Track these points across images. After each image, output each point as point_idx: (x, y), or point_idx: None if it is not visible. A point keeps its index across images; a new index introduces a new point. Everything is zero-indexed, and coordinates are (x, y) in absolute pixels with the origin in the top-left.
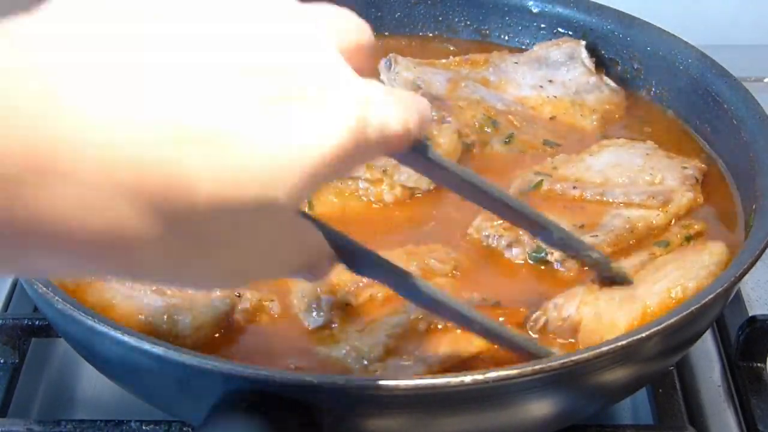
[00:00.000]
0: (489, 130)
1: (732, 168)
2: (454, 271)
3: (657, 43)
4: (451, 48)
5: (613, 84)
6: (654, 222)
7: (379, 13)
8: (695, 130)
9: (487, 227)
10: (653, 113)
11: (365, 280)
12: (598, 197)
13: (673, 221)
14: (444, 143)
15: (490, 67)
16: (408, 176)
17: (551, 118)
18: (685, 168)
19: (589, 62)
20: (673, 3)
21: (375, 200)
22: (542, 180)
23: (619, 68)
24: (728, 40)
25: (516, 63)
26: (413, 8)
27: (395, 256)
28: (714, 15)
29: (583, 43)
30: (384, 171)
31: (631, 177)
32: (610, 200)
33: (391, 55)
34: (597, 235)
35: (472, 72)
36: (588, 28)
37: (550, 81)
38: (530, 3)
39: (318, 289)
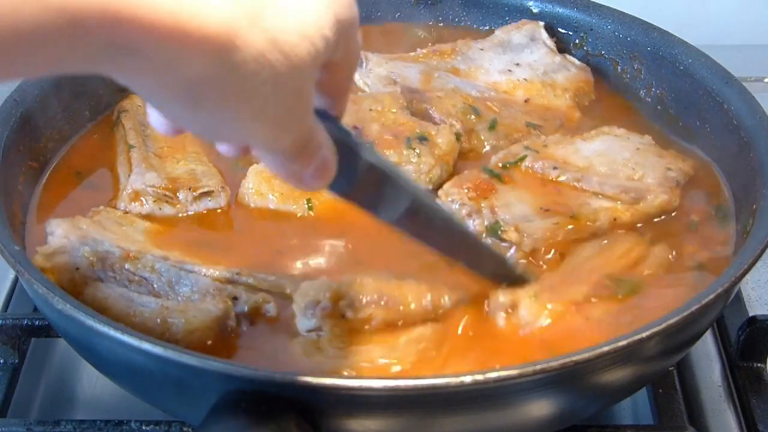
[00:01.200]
0: (472, 117)
1: (731, 168)
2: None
3: (657, 43)
4: (421, 35)
5: (578, 62)
6: (620, 217)
7: (379, 13)
8: (695, 130)
9: (454, 192)
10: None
11: (367, 297)
12: (574, 182)
13: (641, 221)
14: (442, 142)
15: (458, 56)
16: None
17: (526, 101)
18: (669, 169)
19: (550, 42)
20: (673, 3)
21: None
22: (526, 156)
23: (619, 68)
24: (728, 40)
25: (481, 49)
26: (413, 8)
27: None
28: (714, 15)
29: (542, 24)
30: None
31: (613, 168)
32: (585, 187)
33: (361, 52)
34: (557, 222)
35: (441, 62)
36: (588, 28)
37: (517, 64)
38: (530, 3)
39: (323, 292)
